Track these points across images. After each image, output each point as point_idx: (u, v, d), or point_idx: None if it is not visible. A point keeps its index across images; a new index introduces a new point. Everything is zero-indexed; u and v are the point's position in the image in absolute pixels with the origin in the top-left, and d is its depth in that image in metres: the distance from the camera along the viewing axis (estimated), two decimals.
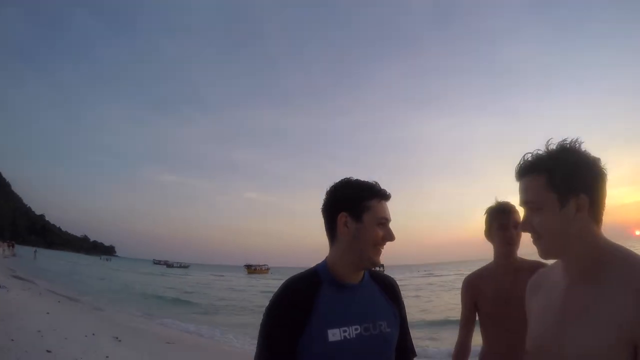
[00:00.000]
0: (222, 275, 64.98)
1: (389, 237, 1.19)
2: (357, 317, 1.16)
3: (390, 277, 1.37)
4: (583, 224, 0.94)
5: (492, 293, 1.75)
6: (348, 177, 1.24)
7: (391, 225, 1.23)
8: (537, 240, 1.00)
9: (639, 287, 0.84)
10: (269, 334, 1.13)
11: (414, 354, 1.36)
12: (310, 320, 1.11)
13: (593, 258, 0.94)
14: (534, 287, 1.17)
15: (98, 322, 9.94)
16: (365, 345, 1.14)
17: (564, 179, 0.94)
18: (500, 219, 1.78)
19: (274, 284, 37.71)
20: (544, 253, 1.01)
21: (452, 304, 17.99)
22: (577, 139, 0.96)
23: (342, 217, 1.17)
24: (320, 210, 1.25)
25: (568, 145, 0.97)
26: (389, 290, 1.30)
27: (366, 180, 1.23)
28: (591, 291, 0.92)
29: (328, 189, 1.24)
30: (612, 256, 0.93)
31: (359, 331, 1.15)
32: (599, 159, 0.96)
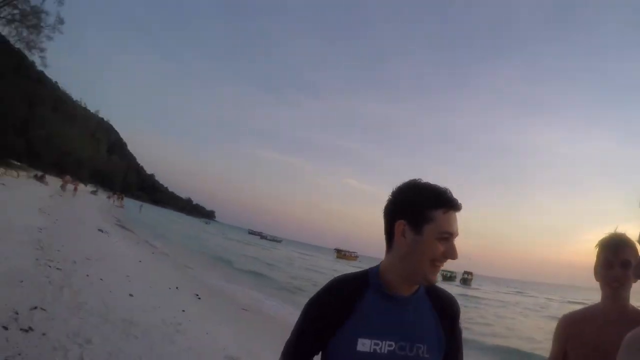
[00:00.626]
0: (312, 256, 65.43)
1: (451, 254, 1.05)
2: (395, 332, 1.06)
3: (451, 296, 1.22)
4: None
5: (591, 341, 1.49)
6: (417, 179, 1.11)
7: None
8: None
9: None
10: (301, 329, 1.10)
11: None
12: (345, 325, 1.05)
13: None
14: (636, 344, 0.96)
15: (184, 279, 10.56)
16: None
17: None
18: (606, 254, 1.50)
19: (346, 267, 37.50)
20: None
21: (530, 333, 16.00)
22: None
23: (400, 225, 1.06)
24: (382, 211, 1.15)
25: None
26: (444, 311, 1.15)
27: (437, 185, 1.08)
28: None
29: (393, 189, 1.12)
30: None
31: (392, 348, 1.04)
32: None
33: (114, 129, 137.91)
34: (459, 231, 1.07)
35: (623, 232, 1.52)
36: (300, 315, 1.11)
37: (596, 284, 1.58)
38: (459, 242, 1.08)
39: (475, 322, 16.24)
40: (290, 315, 9.95)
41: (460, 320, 1.20)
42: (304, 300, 1.23)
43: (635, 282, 1.43)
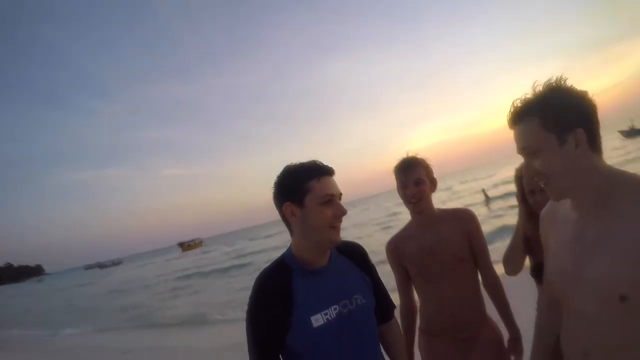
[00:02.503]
0: (154, 262, 56.55)
1: (339, 212, 1.16)
2: (333, 297, 1.18)
3: (355, 244, 1.38)
4: (586, 158, 0.93)
5: (417, 251, 1.73)
6: (289, 163, 1.21)
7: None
8: (546, 184, 0.99)
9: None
10: (258, 338, 1.13)
11: (393, 307, 1.42)
12: (293, 312, 1.12)
13: (602, 190, 0.94)
14: (549, 217, 1.16)
15: None
16: (346, 322, 1.17)
17: (558, 117, 0.93)
18: (400, 177, 1.73)
19: (206, 258, 35.90)
20: (556, 194, 1.00)
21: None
22: (561, 76, 0.96)
23: (287, 207, 1.17)
24: None
25: (554, 84, 0.95)
26: (357, 259, 1.33)
27: (305, 161, 1.19)
28: (605, 223, 0.92)
29: (275, 180, 1.22)
30: (621, 186, 0.93)
31: (337, 310, 1.17)
32: (586, 92, 0.95)
33: None
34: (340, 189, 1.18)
35: (412, 155, 1.74)
36: (248, 327, 1.15)
37: None
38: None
39: None
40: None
41: (369, 257, 1.38)
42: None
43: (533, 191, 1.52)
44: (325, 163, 1.20)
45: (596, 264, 0.92)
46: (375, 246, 16.88)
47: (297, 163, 1.19)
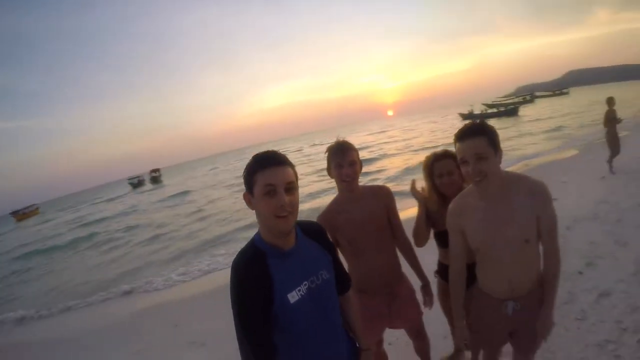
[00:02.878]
0: None
1: (277, 202, 1.19)
2: (303, 274, 1.29)
3: (314, 223, 1.49)
4: (500, 166, 1.57)
5: (347, 224, 1.94)
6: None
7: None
8: (482, 179, 1.53)
9: (530, 191, 1.57)
10: (247, 318, 1.18)
11: (349, 279, 1.58)
12: (274, 292, 1.20)
13: (503, 183, 1.59)
14: (458, 210, 1.73)
15: None
16: (316, 296, 1.30)
17: (494, 140, 1.54)
18: (336, 159, 1.91)
19: (46, 228, 28.50)
20: (490, 185, 1.56)
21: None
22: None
23: (246, 196, 1.27)
24: None
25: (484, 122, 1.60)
26: (318, 237, 1.43)
27: (263, 151, 1.26)
28: (506, 203, 1.59)
29: None
30: (509, 178, 1.62)
31: (307, 286, 1.28)
32: None
33: None
34: (285, 178, 1.21)
35: (344, 139, 1.98)
36: (239, 314, 1.18)
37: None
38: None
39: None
40: None
41: (327, 234, 1.51)
42: None
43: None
44: (276, 151, 1.26)
45: (509, 226, 1.58)
46: (231, 212, 14.60)
47: (257, 153, 1.26)
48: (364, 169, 2.07)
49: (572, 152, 12.46)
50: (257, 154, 1.25)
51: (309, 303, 1.27)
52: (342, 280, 1.51)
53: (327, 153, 1.97)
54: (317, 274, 1.33)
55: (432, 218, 2.15)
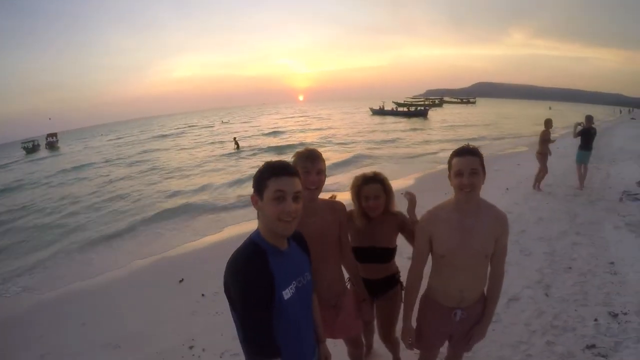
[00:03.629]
0: None
1: (284, 208, 1.31)
2: (293, 274, 1.42)
3: (297, 231, 1.55)
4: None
5: (308, 232, 1.81)
6: (267, 161, 1.40)
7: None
8: (472, 190, 1.79)
9: (496, 216, 1.87)
10: (254, 315, 1.25)
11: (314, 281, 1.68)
12: (275, 288, 1.30)
13: (479, 202, 1.88)
14: (432, 218, 1.94)
15: None
16: (302, 295, 1.43)
17: (483, 163, 1.82)
18: (304, 164, 1.90)
19: None
20: (474, 197, 1.83)
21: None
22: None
23: (253, 197, 1.38)
24: None
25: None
26: (301, 241, 1.58)
27: (277, 160, 1.40)
28: (477, 219, 1.85)
29: None
30: (483, 201, 1.90)
31: (295, 285, 1.40)
32: None
33: None
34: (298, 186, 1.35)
35: (313, 148, 1.99)
36: (246, 309, 1.25)
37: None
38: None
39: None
40: None
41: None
42: None
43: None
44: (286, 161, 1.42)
45: (475, 239, 1.83)
46: (132, 200, 12.73)
47: (270, 161, 1.39)
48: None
49: None
50: (271, 162, 1.38)
51: (297, 301, 1.39)
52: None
53: (293, 158, 1.95)
54: (303, 275, 1.47)
55: (355, 234, 2.29)
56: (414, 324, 2.16)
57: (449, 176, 1.86)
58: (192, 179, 15.43)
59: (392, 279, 2.40)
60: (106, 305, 4.91)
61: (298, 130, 35.39)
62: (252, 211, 1.45)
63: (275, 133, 33.85)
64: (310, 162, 1.90)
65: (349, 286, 2.28)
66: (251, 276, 1.26)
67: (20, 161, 39.36)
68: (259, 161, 14.04)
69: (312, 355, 1.58)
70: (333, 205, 2.10)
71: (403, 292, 2.31)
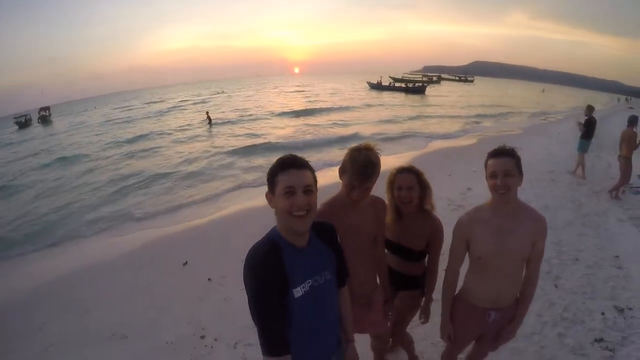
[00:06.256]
0: None
1: (295, 203, 1.28)
2: (309, 272, 1.39)
3: (327, 224, 1.55)
4: (519, 186, 1.82)
5: (344, 227, 1.78)
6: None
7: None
8: (507, 192, 1.76)
9: (535, 219, 1.83)
10: (265, 304, 1.26)
11: (347, 275, 1.66)
12: (288, 285, 1.30)
13: (516, 204, 1.84)
14: (470, 221, 1.91)
15: None
16: (317, 294, 1.39)
17: (520, 164, 1.79)
18: (354, 179, 1.77)
19: None
20: (511, 199, 1.80)
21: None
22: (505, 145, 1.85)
23: (267, 195, 1.36)
24: None
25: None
26: (327, 237, 1.51)
27: (287, 154, 1.37)
28: (515, 221, 1.82)
29: None
30: (521, 203, 1.86)
31: (310, 284, 1.37)
32: None
33: None
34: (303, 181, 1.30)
35: (370, 162, 1.76)
36: (258, 304, 1.26)
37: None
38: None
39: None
40: None
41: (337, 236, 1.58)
42: None
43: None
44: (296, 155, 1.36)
45: (512, 242, 1.81)
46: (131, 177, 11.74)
47: (282, 156, 1.35)
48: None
49: (471, 141, 13.78)
50: (281, 158, 1.35)
51: (310, 300, 1.37)
52: (341, 275, 1.60)
53: (347, 154, 1.80)
54: (321, 274, 1.43)
55: (385, 227, 2.19)
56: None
57: (486, 177, 1.84)
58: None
59: (415, 281, 2.33)
60: (108, 289, 4.68)
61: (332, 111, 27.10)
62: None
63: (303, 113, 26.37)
64: (366, 176, 1.74)
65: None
66: (263, 273, 1.26)
67: (10, 136, 34.42)
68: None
69: (332, 355, 1.55)
70: (374, 202, 2.00)
71: (423, 299, 2.34)
